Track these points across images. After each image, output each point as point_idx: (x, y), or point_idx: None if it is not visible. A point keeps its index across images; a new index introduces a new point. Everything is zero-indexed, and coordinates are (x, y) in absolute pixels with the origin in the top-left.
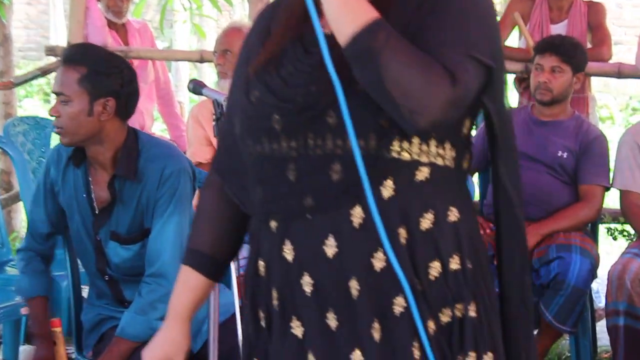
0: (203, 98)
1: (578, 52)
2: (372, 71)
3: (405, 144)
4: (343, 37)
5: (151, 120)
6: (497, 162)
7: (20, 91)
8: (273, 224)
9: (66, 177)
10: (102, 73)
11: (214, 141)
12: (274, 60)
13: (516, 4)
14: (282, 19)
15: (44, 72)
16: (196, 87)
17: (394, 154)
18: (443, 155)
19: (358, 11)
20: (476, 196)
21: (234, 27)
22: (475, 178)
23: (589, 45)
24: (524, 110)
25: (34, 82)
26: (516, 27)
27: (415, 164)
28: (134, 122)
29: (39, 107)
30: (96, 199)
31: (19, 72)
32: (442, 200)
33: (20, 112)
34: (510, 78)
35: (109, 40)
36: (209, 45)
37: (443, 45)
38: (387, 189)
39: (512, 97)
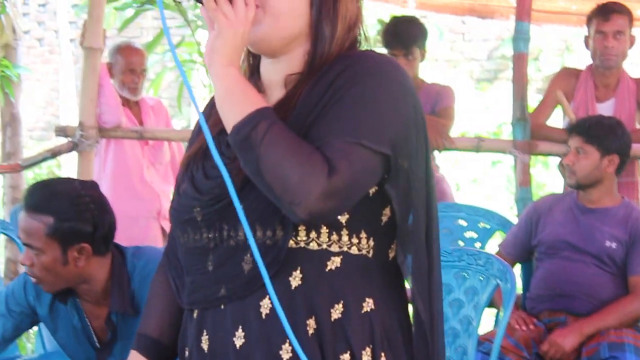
0: None
1: (609, 133)
2: (251, 162)
3: (313, 234)
4: (228, 127)
5: (168, 203)
6: (399, 254)
7: (28, 173)
8: (195, 314)
9: (56, 312)
10: (71, 219)
11: None
12: (202, 153)
13: (559, 82)
14: (214, 110)
15: (53, 153)
16: None
17: (302, 244)
18: (358, 244)
19: (243, 102)
20: (518, 289)
21: None
22: (517, 269)
23: (639, 126)
24: (569, 197)
25: (43, 163)
26: (559, 106)
27: (325, 254)
28: (151, 208)
29: None
30: (95, 333)
31: (27, 153)
32: (355, 290)
33: None
34: (554, 161)
35: (123, 120)
36: None
37: (331, 134)
38: (295, 279)
39: (558, 182)
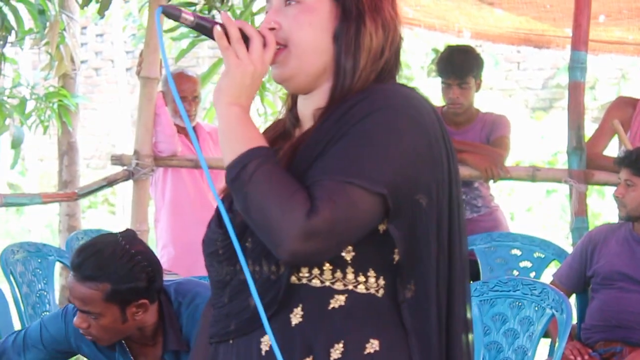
0: None
1: None
2: (240, 201)
3: (316, 271)
4: (225, 164)
5: None
6: (399, 292)
7: (83, 202)
8: (212, 347)
9: (103, 352)
10: (127, 281)
11: None
12: None
13: (615, 111)
14: None
15: (109, 182)
16: None
17: (304, 280)
18: (365, 283)
19: (239, 141)
20: (573, 319)
21: None
22: (572, 299)
23: None
24: (625, 227)
25: (99, 191)
26: (616, 135)
27: (328, 291)
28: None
29: (105, 219)
30: None
31: (83, 181)
32: (359, 330)
33: (84, 224)
34: (610, 190)
35: (179, 149)
36: None
37: (324, 172)
38: (296, 316)
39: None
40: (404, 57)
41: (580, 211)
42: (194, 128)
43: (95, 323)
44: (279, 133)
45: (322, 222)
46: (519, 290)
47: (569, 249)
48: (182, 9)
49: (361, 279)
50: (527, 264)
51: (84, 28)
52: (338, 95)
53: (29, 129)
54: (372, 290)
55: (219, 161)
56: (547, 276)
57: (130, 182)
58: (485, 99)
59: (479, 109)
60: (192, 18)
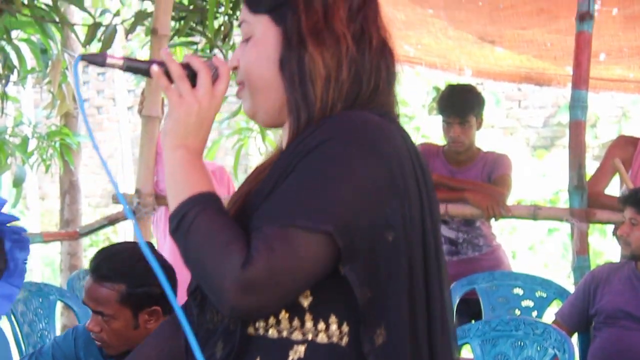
0: None
1: None
2: (181, 252)
3: (272, 320)
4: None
5: None
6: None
7: (85, 240)
8: None
9: None
10: (143, 285)
11: None
12: None
13: (616, 150)
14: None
15: (111, 221)
16: None
17: (260, 331)
18: (326, 331)
19: (182, 188)
20: (576, 358)
21: None
22: (575, 339)
23: None
24: (627, 266)
25: (100, 230)
26: (617, 174)
27: (285, 343)
28: None
29: None
30: None
31: (85, 220)
32: None
33: (86, 263)
34: (612, 229)
35: None
36: None
37: (265, 216)
38: None
39: (616, 250)
40: (402, 94)
41: (582, 250)
42: None
43: (107, 327)
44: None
45: (259, 273)
46: (521, 329)
47: (571, 288)
48: (109, 53)
49: (321, 326)
50: (529, 303)
51: (86, 66)
52: (301, 128)
53: (31, 167)
54: (335, 339)
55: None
56: (549, 315)
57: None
58: (486, 137)
59: (480, 148)
60: (121, 62)
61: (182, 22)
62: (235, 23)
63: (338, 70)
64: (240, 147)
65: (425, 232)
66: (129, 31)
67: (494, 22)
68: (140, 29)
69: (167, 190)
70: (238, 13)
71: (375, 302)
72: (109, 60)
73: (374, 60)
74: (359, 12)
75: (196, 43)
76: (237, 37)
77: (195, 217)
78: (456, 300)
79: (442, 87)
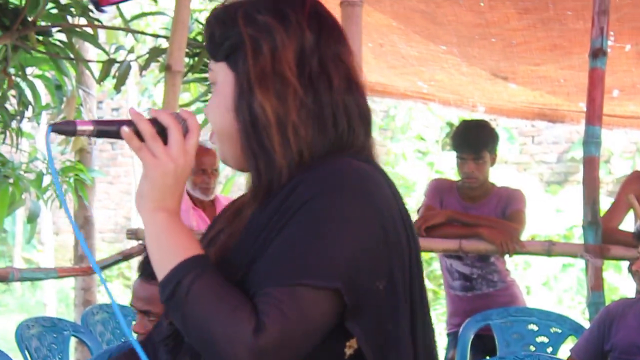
0: None
1: None
2: (178, 321)
3: None
4: (158, 280)
5: None
6: None
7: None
8: None
9: None
10: None
11: None
12: None
13: (631, 185)
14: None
15: (125, 256)
16: None
17: None
18: None
19: (169, 253)
20: None
21: None
22: None
23: None
24: None
25: (115, 265)
26: (631, 210)
27: None
28: None
29: (120, 292)
30: None
31: (99, 255)
32: None
33: (100, 299)
34: (627, 264)
35: (194, 224)
36: None
37: (268, 278)
38: None
39: (630, 285)
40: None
41: (596, 286)
42: (213, 201)
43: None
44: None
45: (272, 339)
46: None
47: (586, 324)
48: (78, 120)
49: None
50: (544, 339)
51: (100, 102)
52: (264, 179)
53: (45, 203)
54: None
55: None
56: (565, 352)
57: None
58: (500, 173)
59: (494, 183)
60: (91, 127)
61: (196, 58)
62: None
63: (287, 116)
64: None
65: (412, 277)
66: (143, 67)
67: (507, 58)
68: (154, 65)
69: (151, 256)
70: None
71: (379, 353)
72: (79, 128)
73: (339, 100)
74: (312, 54)
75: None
76: None
77: (192, 283)
78: (470, 336)
79: (456, 123)
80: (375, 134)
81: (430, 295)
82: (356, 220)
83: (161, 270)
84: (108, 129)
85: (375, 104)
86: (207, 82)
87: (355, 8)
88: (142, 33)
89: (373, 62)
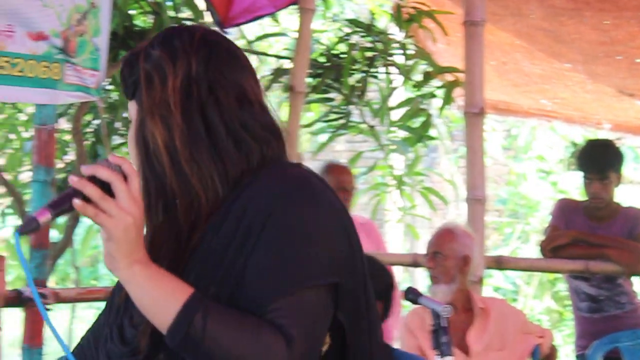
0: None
1: None
2: (201, 357)
3: None
4: (161, 330)
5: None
6: None
7: None
8: None
9: None
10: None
11: (429, 354)
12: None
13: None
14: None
15: None
16: (414, 295)
17: None
18: None
19: (165, 299)
20: None
21: (445, 228)
22: None
23: None
24: None
25: None
26: None
27: None
28: None
29: None
30: None
31: None
32: None
33: None
34: None
35: None
36: (423, 247)
37: (270, 291)
38: None
39: None
40: (539, 149)
41: None
42: None
43: None
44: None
45: (304, 344)
46: None
47: None
48: (36, 216)
49: None
50: None
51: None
52: (185, 207)
53: None
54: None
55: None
56: None
57: None
58: (626, 193)
59: (621, 203)
60: (49, 216)
61: (318, 79)
62: (371, 80)
63: (173, 142)
64: (377, 202)
65: (363, 263)
66: (266, 88)
67: (633, 76)
68: (276, 86)
69: (143, 308)
70: (373, 70)
71: (358, 345)
72: (40, 220)
73: (233, 119)
74: (201, 80)
75: (332, 99)
76: (372, 93)
77: (205, 320)
78: (598, 359)
79: (580, 142)
80: (498, 153)
81: (555, 317)
82: (324, 221)
83: (162, 318)
84: (62, 209)
85: (498, 123)
86: (330, 103)
87: (478, 27)
88: (265, 54)
89: (496, 80)
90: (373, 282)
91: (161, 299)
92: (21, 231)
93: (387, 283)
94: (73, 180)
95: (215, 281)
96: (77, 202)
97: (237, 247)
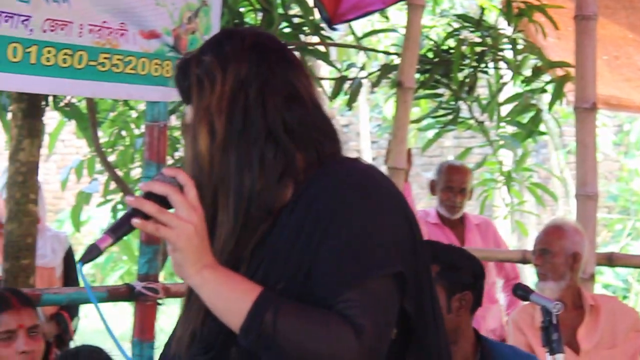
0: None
1: None
2: (275, 352)
3: None
4: (234, 329)
5: (492, 320)
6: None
7: None
8: None
9: None
10: (456, 267)
11: (538, 351)
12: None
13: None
14: None
15: None
16: (524, 292)
17: None
18: None
19: (236, 299)
20: None
21: (555, 225)
22: None
23: None
24: None
25: None
26: None
27: None
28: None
29: None
30: None
31: None
32: None
33: None
34: None
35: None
36: (531, 243)
37: (338, 284)
38: None
39: None
40: None
41: None
42: (462, 219)
43: None
44: None
45: (373, 337)
46: None
47: None
48: (98, 243)
49: None
50: None
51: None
52: (233, 208)
53: None
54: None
55: (477, 252)
56: None
57: None
58: None
59: None
60: (110, 241)
61: (427, 74)
62: (480, 75)
63: (212, 145)
64: (485, 198)
65: (425, 252)
66: (375, 84)
67: None
68: (385, 82)
69: (217, 310)
70: (483, 65)
71: (424, 332)
72: (102, 247)
73: (276, 122)
74: (251, 83)
75: (441, 95)
76: (481, 88)
77: (276, 317)
78: None
79: None
80: (608, 149)
81: None
82: (387, 211)
83: (234, 318)
84: (123, 231)
85: (609, 119)
86: (438, 99)
87: (590, 22)
88: (374, 50)
89: (607, 75)
90: (460, 272)
91: (232, 299)
92: (84, 260)
93: (475, 273)
94: (130, 200)
95: (284, 276)
96: (136, 221)
97: (304, 243)
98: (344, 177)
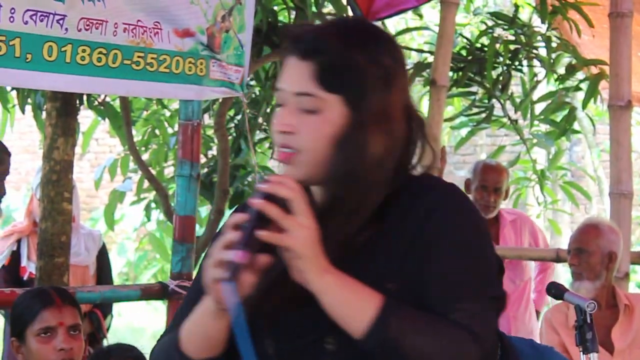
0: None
1: None
2: (397, 357)
3: None
4: (354, 334)
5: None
6: None
7: None
8: None
9: None
10: None
11: (572, 350)
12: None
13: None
14: None
15: None
16: (558, 291)
17: None
18: None
19: (359, 305)
20: None
21: (590, 224)
22: None
23: None
24: None
25: None
26: None
27: None
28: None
29: None
30: None
31: None
32: None
33: None
34: None
35: None
36: (564, 242)
37: (454, 295)
38: None
39: None
40: None
41: None
42: (497, 218)
43: None
44: None
45: (488, 345)
46: None
47: None
48: (234, 259)
49: None
50: None
51: None
52: (354, 204)
53: None
54: None
55: (508, 250)
56: None
57: None
58: None
59: None
60: (248, 256)
61: (460, 72)
62: (514, 73)
63: (393, 149)
64: (518, 197)
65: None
66: (409, 82)
67: None
68: (418, 80)
69: (337, 316)
70: (516, 63)
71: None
72: (241, 264)
73: (406, 129)
74: (406, 90)
75: (474, 93)
76: (515, 86)
77: (400, 322)
78: None
79: None
80: None
81: None
82: (487, 232)
83: (356, 323)
84: (253, 242)
85: None
86: (471, 97)
87: (625, 19)
88: (407, 48)
89: None
90: None
91: (355, 304)
92: (230, 281)
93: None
94: (254, 203)
95: (397, 277)
96: (262, 233)
97: (423, 249)
98: (452, 191)
